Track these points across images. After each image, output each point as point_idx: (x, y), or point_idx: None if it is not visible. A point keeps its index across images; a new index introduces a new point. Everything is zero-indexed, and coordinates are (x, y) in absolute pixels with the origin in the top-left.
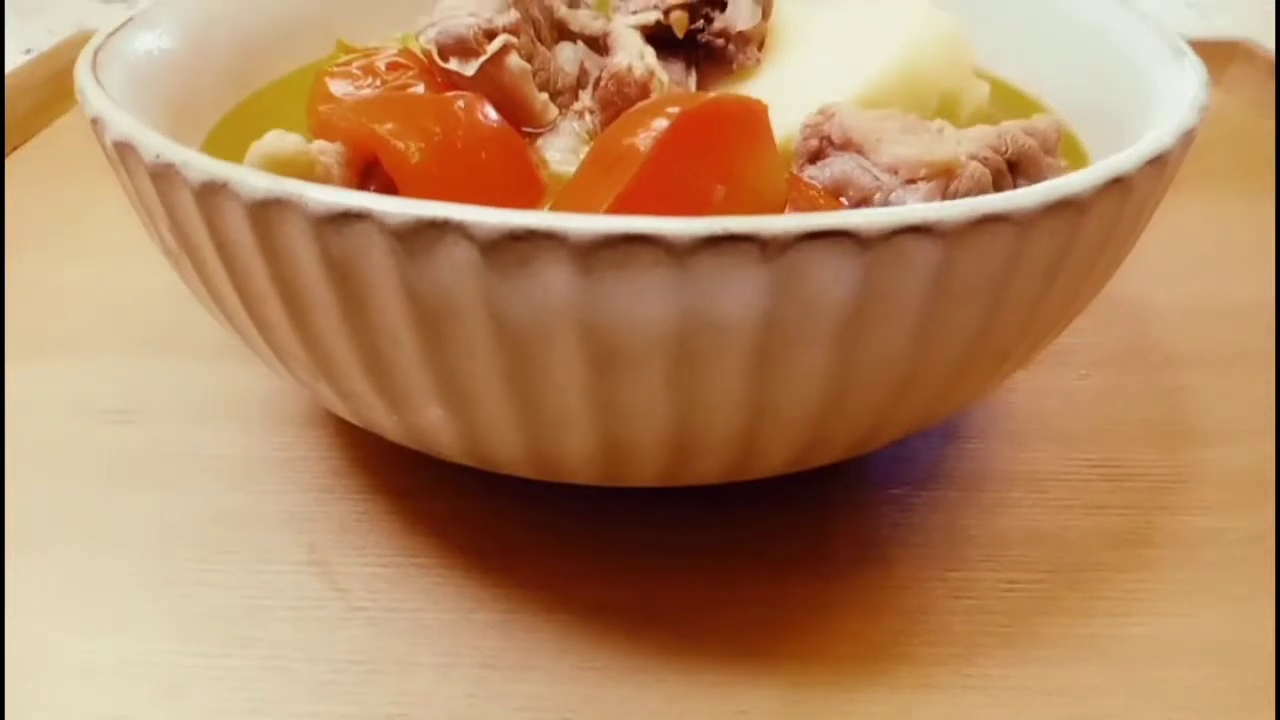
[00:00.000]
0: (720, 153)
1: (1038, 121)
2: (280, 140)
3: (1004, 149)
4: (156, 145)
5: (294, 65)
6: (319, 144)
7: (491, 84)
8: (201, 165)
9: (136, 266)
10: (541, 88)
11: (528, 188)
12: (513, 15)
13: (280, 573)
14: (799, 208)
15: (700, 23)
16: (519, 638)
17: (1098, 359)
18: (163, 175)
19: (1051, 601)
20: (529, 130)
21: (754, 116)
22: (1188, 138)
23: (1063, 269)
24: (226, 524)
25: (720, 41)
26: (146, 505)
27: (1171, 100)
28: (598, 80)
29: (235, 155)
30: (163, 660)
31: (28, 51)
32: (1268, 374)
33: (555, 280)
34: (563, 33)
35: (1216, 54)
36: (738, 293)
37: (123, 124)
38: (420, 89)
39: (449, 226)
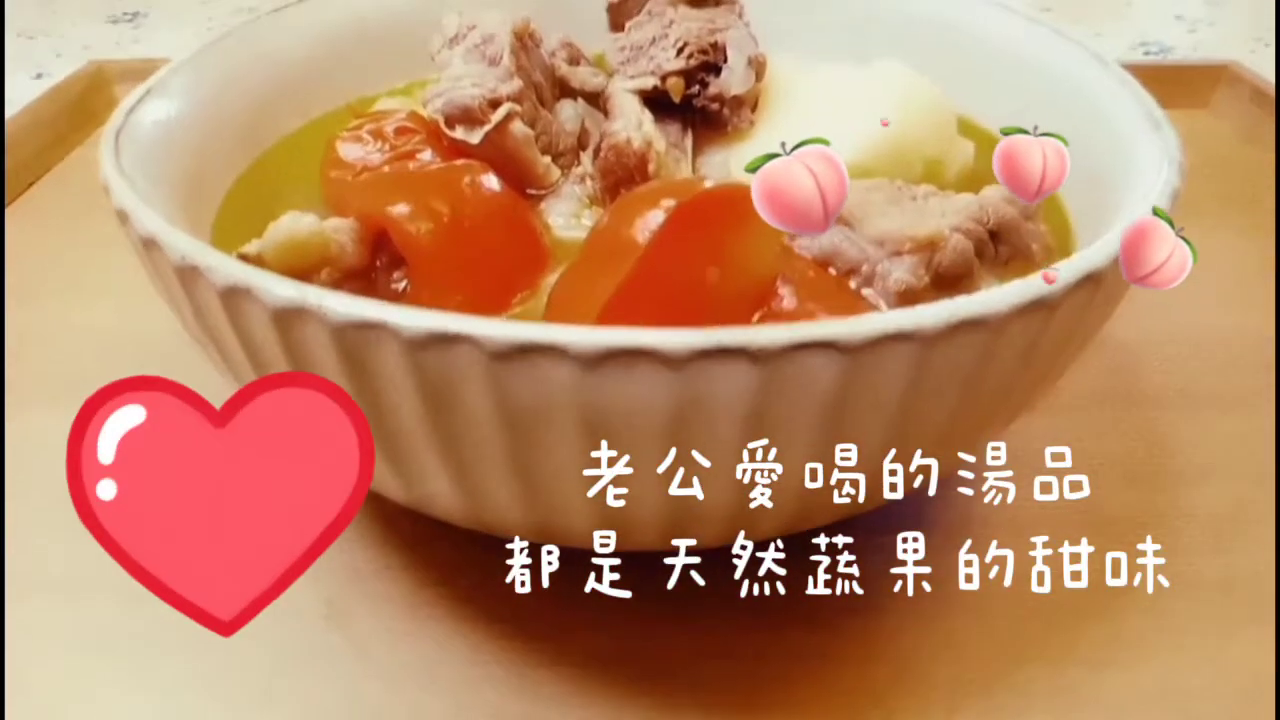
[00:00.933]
0: (713, 239)
1: None
2: (296, 223)
3: (986, 219)
4: (182, 246)
5: (304, 120)
6: (333, 222)
7: (496, 150)
8: (226, 270)
9: (149, 309)
10: (544, 150)
11: (533, 258)
12: (516, 83)
13: (302, 627)
14: (790, 280)
15: (696, 88)
16: (527, 690)
17: (1080, 401)
18: (188, 275)
19: (1031, 649)
20: (532, 192)
21: (745, 202)
22: None
23: (1035, 358)
24: None
25: (715, 105)
26: None
27: (1145, 181)
28: (598, 147)
29: (251, 221)
30: (191, 715)
31: (38, 76)
32: (1244, 411)
33: (558, 385)
34: (564, 90)
35: (1204, 77)
36: (729, 393)
37: (149, 221)
38: (427, 154)
39: (459, 338)
